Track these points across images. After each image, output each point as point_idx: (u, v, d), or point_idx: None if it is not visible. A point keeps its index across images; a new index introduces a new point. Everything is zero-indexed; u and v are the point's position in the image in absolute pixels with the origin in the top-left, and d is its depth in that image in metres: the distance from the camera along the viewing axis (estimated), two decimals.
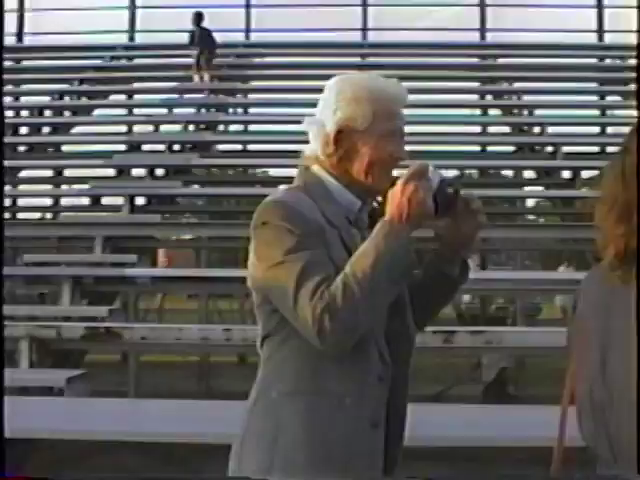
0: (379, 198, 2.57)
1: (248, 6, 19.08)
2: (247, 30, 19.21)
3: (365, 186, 2.54)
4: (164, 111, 15.95)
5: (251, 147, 15.66)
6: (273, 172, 16.68)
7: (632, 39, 18.85)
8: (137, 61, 18.46)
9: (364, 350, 2.46)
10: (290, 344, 2.47)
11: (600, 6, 19.10)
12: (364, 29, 18.93)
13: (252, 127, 16.33)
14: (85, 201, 14.09)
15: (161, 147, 14.30)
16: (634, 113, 15.50)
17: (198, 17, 16.19)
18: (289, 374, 2.48)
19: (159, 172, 13.61)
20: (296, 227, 2.41)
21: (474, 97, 16.70)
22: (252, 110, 16.74)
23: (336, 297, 2.31)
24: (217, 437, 4.91)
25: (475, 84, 16.49)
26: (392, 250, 2.36)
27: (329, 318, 2.30)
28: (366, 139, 2.52)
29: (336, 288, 2.33)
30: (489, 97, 16.51)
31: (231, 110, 16.40)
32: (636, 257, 2.10)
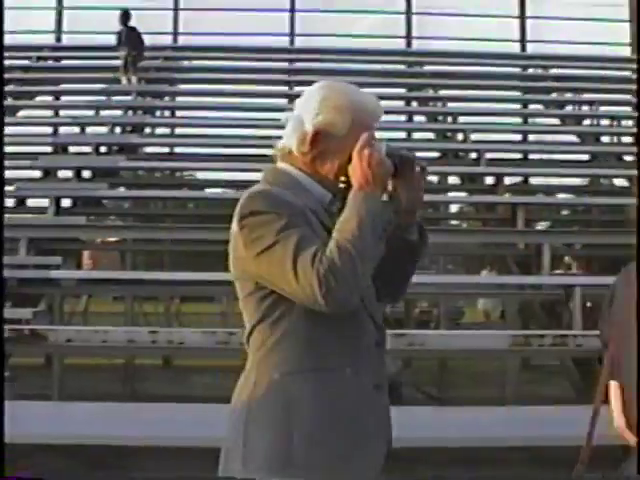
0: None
1: (176, 9, 19.03)
2: (175, 33, 19.17)
3: (333, 183, 2.71)
4: (91, 113, 15.85)
5: (178, 150, 15.64)
6: (200, 175, 16.71)
7: (554, 49, 19.30)
8: (64, 62, 18.30)
9: (357, 318, 2.64)
10: (283, 326, 2.60)
11: (523, 16, 19.43)
12: (292, 34, 19.02)
13: (179, 130, 16.30)
14: (10, 202, 13.97)
15: (88, 149, 14.21)
16: (555, 121, 15.89)
17: (125, 16, 16.03)
18: (288, 354, 2.60)
19: (85, 174, 13.53)
20: (282, 211, 2.56)
21: (400, 103, 16.89)
22: (179, 113, 16.71)
23: (334, 258, 2.47)
24: (142, 439, 4.96)
25: (401, 90, 16.67)
26: (371, 210, 2.54)
27: (333, 278, 2.46)
28: (341, 145, 2.67)
29: (332, 251, 2.49)
30: (415, 104, 16.71)
31: (158, 113, 16.36)
32: None
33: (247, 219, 2.59)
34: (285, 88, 16.71)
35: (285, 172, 2.72)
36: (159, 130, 16.08)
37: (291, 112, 2.76)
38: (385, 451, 2.70)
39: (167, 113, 16.67)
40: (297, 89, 16.22)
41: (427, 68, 17.88)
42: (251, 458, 2.56)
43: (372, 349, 2.68)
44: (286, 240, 2.51)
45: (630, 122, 16.72)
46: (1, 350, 2.58)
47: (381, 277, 2.68)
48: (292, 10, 19.03)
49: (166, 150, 15.71)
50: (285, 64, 17.78)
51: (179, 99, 17.05)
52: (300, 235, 2.52)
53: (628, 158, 15.11)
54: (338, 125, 2.67)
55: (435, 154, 15.08)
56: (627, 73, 18.60)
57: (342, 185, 2.71)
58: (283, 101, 16.40)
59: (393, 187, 2.70)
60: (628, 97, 17.48)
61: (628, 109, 17.26)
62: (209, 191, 14.91)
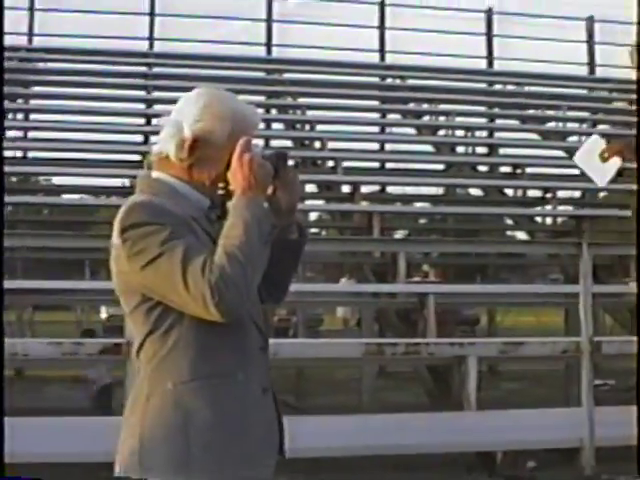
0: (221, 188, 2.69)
1: (32, 9, 18.61)
2: (30, 34, 18.74)
3: (211, 190, 2.67)
4: None
5: (32, 154, 15.28)
6: (56, 180, 16.38)
7: (411, 60, 19.63)
8: None
9: (242, 324, 2.61)
10: (174, 336, 2.56)
11: (382, 27, 19.70)
12: (151, 39, 18.82)
13: (32, 134, 15.92)
14: None
15: None
16: (412, 131, 16.14)
17: None
18: (181, 364, 2.56)
19: None
20: (165, 221, 2.52)
21: (259, 111, 16.87)
22: (33, 116, 16.33)
23: (224, 266, 2.44)
24: None
25: (260, 98, 16.69)
26: (256, 215, 2.53)
27: (224, 285, 2.43)
28: (219, 152, 2.64)
29: (220, 259, 2.46)
30: (274, 111, 16.75)
31: (11, 116, 15.95)
32: None
33: (129, 232, 2.53)
34: (143, 93, 16.53)
35: (160, 180, 2.67)
36: (11, 133, 15.67)
37: (167, 116, 2.71)
38: (276, 455, 2.71)
39: (20, 116, 16.26)
40: (155, 94, 16.09)
41: (286, 76, 17.94)
42: (150, 472, 2.52)
43: (257, 353, 2.68)
44: (172, 251, 2.48)
45: (484, 133, 17.16)
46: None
47: (264, 279, 2.64)
48: (152, 14, 18.83)
49: (19, 154, 15.32)
50: (144, 68, 17.58)
51: (33, 102, 16.66)
52: (186, 245, 2.49)
53: (482, 168, 15.50)
54: (218, 133, 2.64)
55: (290, 162, 15.09)
56: (482, 85, 19.10)
57: (220, 192, 2.70)
58: (141, 106, 16.23)
59: (272, 189, 2.69)
60: (482, 109, 17.95)
61: (482, 120, 17.73)
62: (66, 197, 14.63)
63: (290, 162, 2.75)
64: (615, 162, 9.23)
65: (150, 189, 2.66)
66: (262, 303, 2.78)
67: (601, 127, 16.26)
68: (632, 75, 9.80)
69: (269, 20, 19.28)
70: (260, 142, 2.81)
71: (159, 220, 2.53)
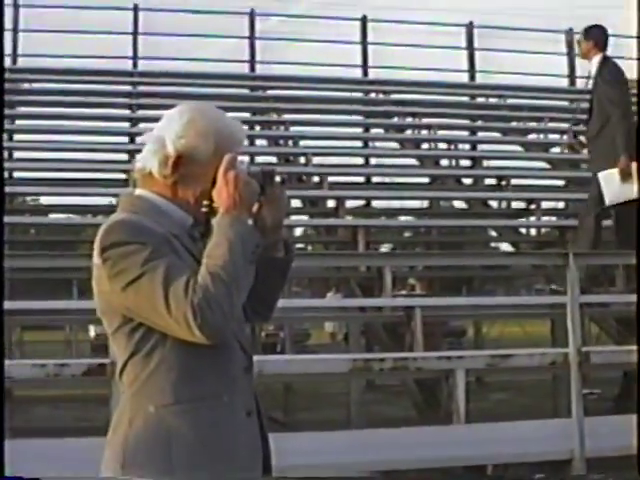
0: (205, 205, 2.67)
1: (15, 30, 18.62)
2: (14, 55, 18.74)
3: (195, 208, 2.65)
4: None
5: (17, 174, 15.26)
6: (43, 200, 16.36)
7: (394, 75, 19.73)
8: None
9: (227, 344, 2.56)
10: (156, 358, 2.52)
11: (364, 42, 19.78)
12: (135, 57, 18.85)
13: (18, 154, 15.91)
14: None
15: None
16: (395, 145, 16.21)
17: None
18: (163, 386, 2.52)
19: None
20: (145, 240, 2.48)
21: (243, 127, 16.91)
22: (18, 137, 16.32)
23: (208, 286, 2.40)
24: None
25: (245, 114, 16.73)
26: (240, 234, 2.50)
27: (208, 306, 2.39)
28: (203, 169, 2.61)
29: (204, 279, 2.42)
30: (258, 128, 16.80)
31: None
32: None
33: (109, 251, 2.50)
34: (128, 111, 16.56)
35: (143, 198, 2.64)
36: None
37: (150, 132, 2.69)
38: (260, 478, 2.68)
39: (5, 137, 16.25)
40: (140, 112, 16.12)
41: (270, 92, 18.00)
42: None
43: (241, 374, 2.64)
44: (153, 271, 2.44)
45: (467, 146, 17.26)
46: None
47: (250, 297, 2.61)
48: (135, 33, 18.87)
49: (5, 175, 15.31)
50: (128, 87, 17.61)
51: (18, 122, 16.67)
52: (167, 265, 2.45)
53: (466, 180, 15.57)
54: (202, 149, 2.61)
55: (276, 178, 15.11)
56: (464, 98, 19.20)
57: (204, 209, 2.66)
58: (126, 124, 16.26)
59: (258, 207, 2.65)
60: (465, 122, 18.05)
61: (465, 133, 17.82)
62: (53, 216, 14.62)
63: (277, 179, 2.72)
64: (635, 168, 9.20)
65: (132, 207, 2.62)
66: (247, 322, 2.76)
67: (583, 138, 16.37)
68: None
69: (252, 37, 19.35)
70: (246, 158, 2.81)
71: (140, 239, 2.49)
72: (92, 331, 21.80)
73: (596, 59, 9.50)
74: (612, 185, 9.16)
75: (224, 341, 2.51)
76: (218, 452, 2.52)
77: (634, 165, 8.90)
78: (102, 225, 2.56)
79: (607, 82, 9.34)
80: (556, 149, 16.54)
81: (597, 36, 9.57)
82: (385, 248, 17.51)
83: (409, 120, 17.35)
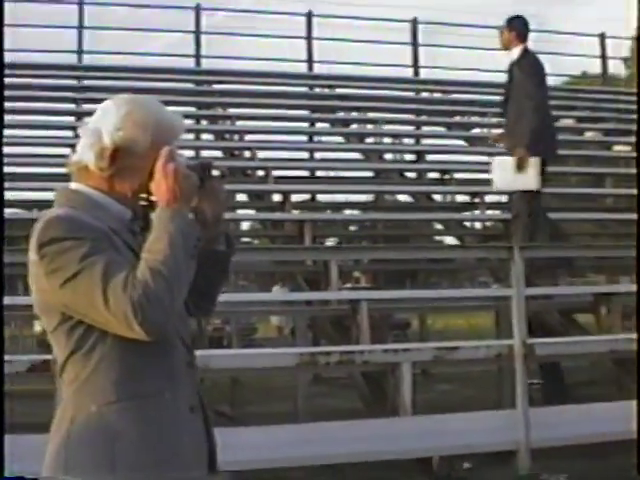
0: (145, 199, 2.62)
1: None
2: None
3: (133, 202, 2.60)
4: None
5: None
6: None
7: (339, 70, 19.81)
8: None
9: (168, 340, 2.51)
10: (97, 355, 2.46)
11: (310, 37, 19.82)
12: (80, 52, 18.71)
13: None
14: None
15: None
16: (340, 139, 16.24)
17: None
18: (104, 384, 2.46)
19: None
20: (83, 236, 2.42)
21: (189, 122, 16.87)
22: None
23: (147, 281, 2.34)
24: None
25: (191, 109, 16.69)
26: (180, 228, 2.44)
27: (147, 301, 2.33)
28: (141, 162, 2.54)
29: (143, 274, 2.36)
30: (204, 122, 16.75)
31: None
32: None
33: (46, 247, 2.42)
34: (73, 106, 16.43)
35: (80, 192, 2.57)
36: None
37: (85, 126, 2.62)
38: (206, 474, 2.64)
39: None
40: (85, 107, 16.00)
41: (216, 87, 17.97)
42: None
43: (184, 370, 2.59)
44: (92, 267, 2.37)
45: (412, 140, 17.37)
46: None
47: (192, 292, 2.55)
48: (80, 27, 18.72)
49: None
50: (74, 82, 17.46)
51: None
52: (106, 260, 2.39)
53: (410, 174, 15.67)
54: (140, 142, 2.54)
55: (215, 171, 15.07)
56: (409, 93, 19.32)
57: (143, 203, 2.61)
58: (71, 119, 16.13)
59: (197, 200, 2.59)
60: (410, 116, 18.16)
61: (410, 128, 17.94)
62: None
63: (215, 172, 2.67)
64: (534, 162, 9.54)
65: (68, 202, 2.55)
66: (190, 316, 2.73)
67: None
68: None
69: (197, 32, 19.30)
70: (186, 152, 2.77)
71: (77, 234, 2.42)
72: (37, 326, 21.63)
73: (517, 50, 9.59)
74: (504, 172, 9.29)
75: (165, 337, 2.46)
76: (161, 449, 2.48)
77: (532, 159, 9.02)
78: (38, 220, 2.50)
79: (525, 74, 9.44)
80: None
81: (519, 27, 9.67)
82: (331, 242, 17.58)
83: (354, 114, 17.42)
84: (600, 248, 10.65)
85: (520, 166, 9.13)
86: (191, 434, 2.57)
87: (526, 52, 9.62)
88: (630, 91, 23.50)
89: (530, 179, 9.15)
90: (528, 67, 9.48)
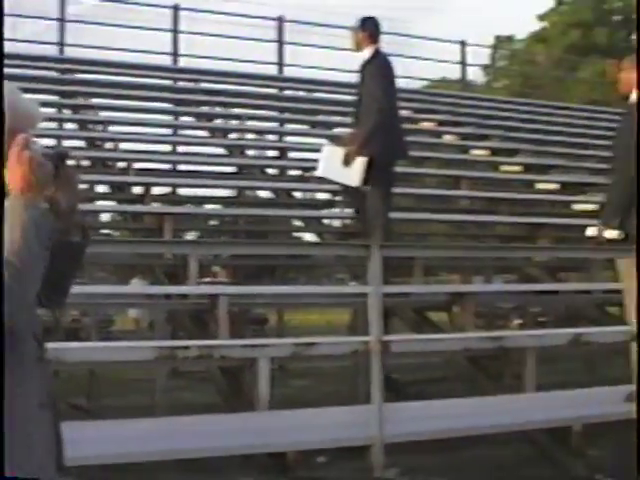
0: None
1: None
2: None
3: None
4: None
5: None
6: None
7: (205, 64, 19.79)
8: None
9: (19, 335, 2.41)
10: None
11: (176, 30, 19.75)
12: None
13: None
14: None
15: None
16: (204, 133, 16.26)
17: None
18: None
19: None
20: None
21: (51, 110, 16.58)
22: None
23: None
24: None
25: (54, 97, 16.40)
26: (34, 218, 2.36)
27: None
28: None
29: None
30: (66, 111, 16.49)
31: None
32: None
33: None
34: None
35: None
36: None
37: None
38: (54, 472, 2.57)
39: None
40: None
41: (80, 76, 17.69)
42: None
43: (34, 365, 2.51)
44: None
45: (275, 137, 17.49)
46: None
47: (44, 284, 2.46)
48: None
49: None
50: None
51: None
52: None
53: (272, 171, 15.79)
54: None
55: (85, 162, 14.93)
56: (273, 90, 19.44)
57: None
58: None
59: (53, 190, 2.51)
60: (273, 113, 18.27)
61: (273, 124, 18.05)
62: None
63: (71, 161, 2.61)
64: (361, 161, 9.79)
65: None
66: (43, 307, 2.67)
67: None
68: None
69: (62, 20, 18.98)
70: (48, 141, 2.69)
71: None
72: None
73: (368, 50, 9.70)
74: (331, 162, 9.50)
75: (16, 329, 2.37)
76: (11, 447, 2.36)
77: (360, 157, 9.23)
78: None
79: (374, 75, 9.57)
80: None
81: (371, 28, 9.81)
82: (191, 236, 17.55)
83: (218, 109, 17.42)
84: (455, 248, 10.91)
85: (347, 161, 9.32)
86: (41, 431, 2.52)
87: (377, 53, 9.72)
88: (488, 97, 24.25)
89: (353, 176, 9.33)
90: (376, 68, 9.58)
